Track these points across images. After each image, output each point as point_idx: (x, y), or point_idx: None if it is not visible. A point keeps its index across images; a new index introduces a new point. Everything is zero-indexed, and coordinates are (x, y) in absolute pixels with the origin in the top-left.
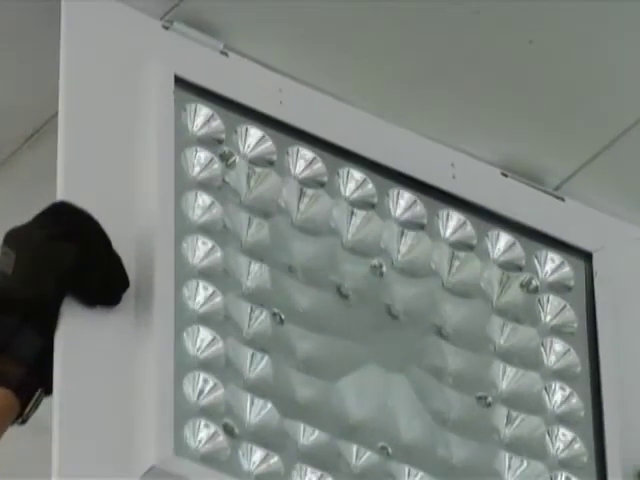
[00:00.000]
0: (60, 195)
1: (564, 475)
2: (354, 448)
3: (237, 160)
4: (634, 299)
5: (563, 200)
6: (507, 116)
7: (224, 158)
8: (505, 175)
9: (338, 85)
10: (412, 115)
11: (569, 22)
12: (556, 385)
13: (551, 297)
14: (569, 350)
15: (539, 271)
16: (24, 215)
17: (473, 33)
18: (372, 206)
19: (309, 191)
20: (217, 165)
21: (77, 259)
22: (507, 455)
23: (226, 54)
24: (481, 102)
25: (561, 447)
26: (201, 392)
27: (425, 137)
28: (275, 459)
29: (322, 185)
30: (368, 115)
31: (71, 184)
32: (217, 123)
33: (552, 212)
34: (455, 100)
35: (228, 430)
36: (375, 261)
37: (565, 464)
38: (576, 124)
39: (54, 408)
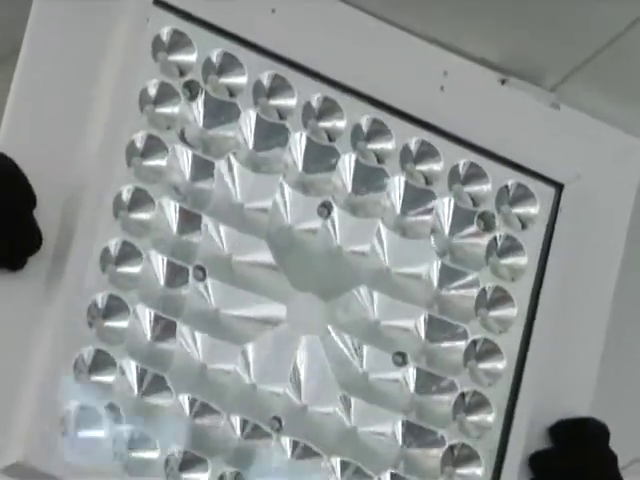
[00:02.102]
0: (4, 129)
1: (461, 443)
2: (242, 421)
3: (199, 92)
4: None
5: (558, 108)
6: (505, 16)
7: (188, 89)
8: (503, 82)
9: None
10: (408, 17)
11: None
12: (480, 349)
13: (507, 236)
14: (509, 302)
15: (503, 205)
16: None
17: None
18: (332, 139)
19: (268, 124)
20: (179, 100)
21: None
22: (406, 423)
23: None
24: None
25: (468, 412)
26: (92, 368)
27: (419, 38)
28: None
29: (284, 118)
30: (366, 16)
31: (17, 118)
32: (188, 48)
33: (544, 125)
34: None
35: (114, 410)
36: (323, 199)
37: (466, 431)
38: (574, 24)
39: None
